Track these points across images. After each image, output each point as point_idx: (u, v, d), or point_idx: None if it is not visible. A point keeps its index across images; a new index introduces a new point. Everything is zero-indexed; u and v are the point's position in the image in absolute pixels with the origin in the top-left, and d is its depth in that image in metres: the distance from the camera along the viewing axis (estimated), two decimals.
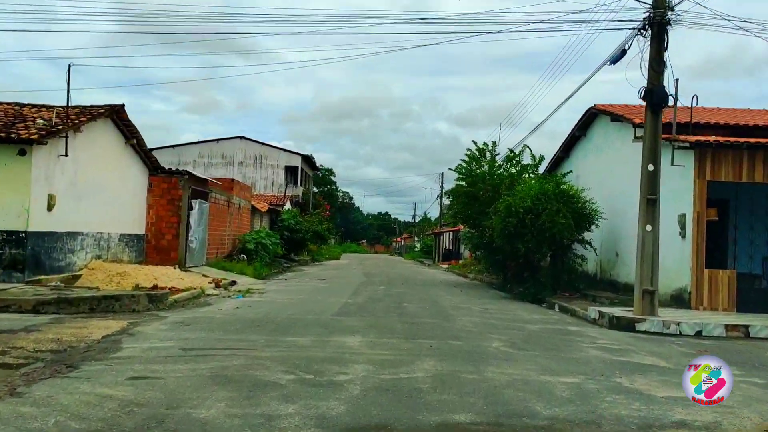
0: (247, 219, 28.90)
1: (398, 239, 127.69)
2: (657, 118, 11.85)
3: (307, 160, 52.39)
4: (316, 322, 10.40)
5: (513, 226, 16.38)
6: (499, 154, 21.98)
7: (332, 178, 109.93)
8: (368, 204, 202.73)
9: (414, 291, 18.09)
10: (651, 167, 11.86)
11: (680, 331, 11.06)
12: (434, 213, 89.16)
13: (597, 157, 18.82)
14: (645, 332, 11.06)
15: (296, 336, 8.74)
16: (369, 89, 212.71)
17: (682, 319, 11.51)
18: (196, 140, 50.48)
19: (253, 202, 31.99)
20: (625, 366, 7.47)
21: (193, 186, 19.78)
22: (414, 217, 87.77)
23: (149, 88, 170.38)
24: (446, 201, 65.82)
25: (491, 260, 21.33)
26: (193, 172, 19.58)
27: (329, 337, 8.69)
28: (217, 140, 50.55)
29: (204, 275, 18.46)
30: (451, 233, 49.85)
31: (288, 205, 42.04)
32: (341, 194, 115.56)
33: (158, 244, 18.85)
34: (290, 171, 52.33)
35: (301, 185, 52.62)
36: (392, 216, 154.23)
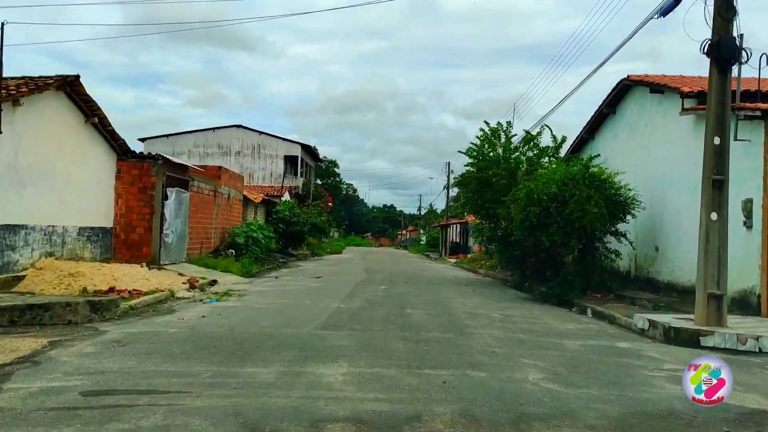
0: (238, 211, 26.60)
1: (403, 232, 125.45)
2: (725, 78, 9.41)
3: (308, 149, 50.06)
4: (292, 339, 8.06)
5: (535, 216, 13.98)
6: (515, 135, 19.53)
7: (336, 170, 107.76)
8: (373, 197, 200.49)
9: (420, 291, 15.75)
10: (717, 140, 9.42)
11: (760, 348, 8.68)
12: (440, 205, 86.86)
13: (630, 136, 16.36)
14: (713, 348, 8.68)
15: (258, 365, 6.40)
16: (374, 82, 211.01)
17: (759, 331, 9.12)
18: (191, 129, 48.18)
19: (246, 193, 29.68)
20: (727, 414, 5.09)
21: (168, 172, 17.46)
22: (419, 209, 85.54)
23: (155, 82, 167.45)
24: (454, 191, 63.36)
25: (507, 255, 18.94)
26: (168, 157, 17.24)
27: (303, 366, 6.35)
28: (213, 129, 48.25)
29: (180, 274, 16.17)
30: (459, 225, 47.47)
31: (287, 197, 39.74)
32: (345, 186, 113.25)
33: (128, 238, 16.55)
34: (290, 161, 50.01)
35: (301, 176, 50.28)
36: (397, 209, 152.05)
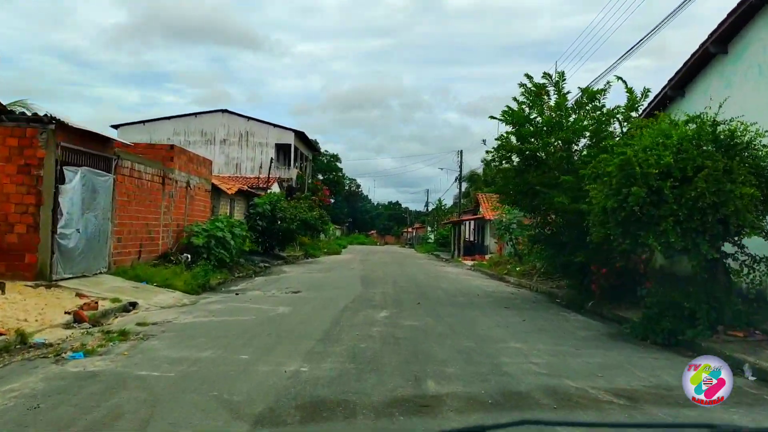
0: (203, 204, 21.12)
1: (409, 229, 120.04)
2: None
3: (303, 138, 44.52)
4: None
5: (638, 203, 8.37)
6: (569, 92, 13.82)
7: (338, 164, 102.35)
8: (378, 195, 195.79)
9: (442, 325, 10.12)
10: None
11: None
12: (449, 200, 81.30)
13: (762, 81, 10.71)
14: None
15: None
16: (379, 80, 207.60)
17: None
18: (171, 115, 42.70)
19: (217, 182, 24.19)
20: None
21: (69, 144, 11.91)
22: (426, 205, 79.98)
23: (161, 81, 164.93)
24: (466, 185, 57.77)
25: (559, 261, 13.40)
26: (67, 122, 11.65)
27: None
28: (195, 114, 42.78)
29: (80, 294, 10.66)
30: (473, 222, 41.85)
31: (276, 189, 34.25)
32: (348, 182, 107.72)
33: (1, 241, 11.05)
34: (282, 150, 44.49)
35: (295, 167, 44.78)
36: (403, 205, 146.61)
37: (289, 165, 43.64)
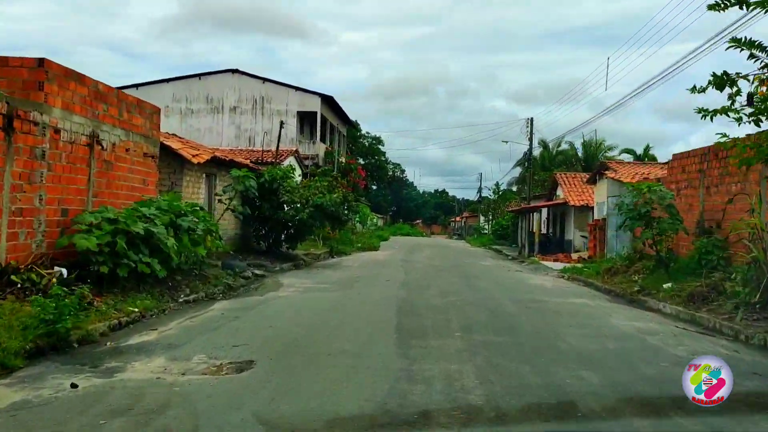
0: (143, 177, 12.77)
1: (457, 219, 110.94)
2: None
3: (331, 103, 35.93)
4: None
5: None
6: None
7: (380, 147, 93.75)
8: (424, 184, 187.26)
9: None
10: None
11: None
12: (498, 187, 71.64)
13: None
14: None
15: None
16: (424, 68, 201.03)
17: None
18: (169, 77, 34.81)
19: (177, 145, 15.87)
20: None
21: None
22: (480, 191, 70.40)
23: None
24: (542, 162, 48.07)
25: None
26: None
27: None
28: (199, 76, 34.77)
29: None
30: (548, 210, 32.51)
31: (292, 164, 25.77)
32: (392, 167, 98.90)
33: None
34: (306, 120, 36.10)
35: (322, 140, 36.35)
36: (450, 194, 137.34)
37: (313, 138, 35.21)
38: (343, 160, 36.25)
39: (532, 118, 34.38)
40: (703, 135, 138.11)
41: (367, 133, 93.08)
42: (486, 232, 61.07)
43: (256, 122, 33.86)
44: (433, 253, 31.62)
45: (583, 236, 27.65)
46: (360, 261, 23.39)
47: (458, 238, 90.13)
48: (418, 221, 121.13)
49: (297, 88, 34.33)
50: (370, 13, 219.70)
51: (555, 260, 24.84)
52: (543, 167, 63.75)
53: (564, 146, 59.69)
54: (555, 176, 30.74)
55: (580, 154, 58.74)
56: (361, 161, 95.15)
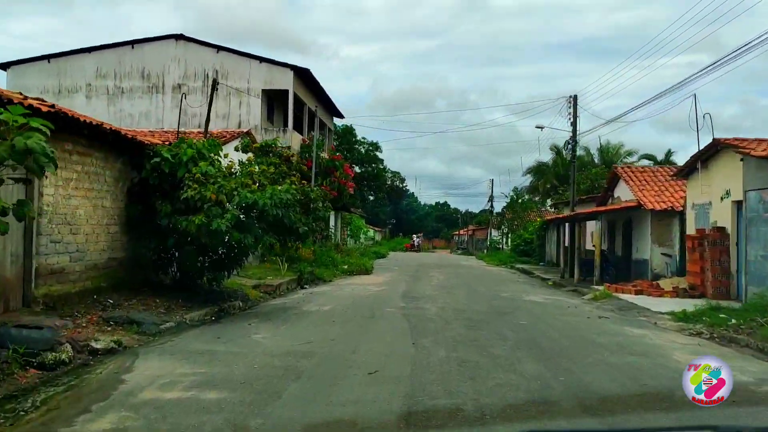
0: None
1: (461, 232, 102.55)
2: None
3: (307, 79, 27.31)
4: None
5: None
6: None
7: (378, 154, 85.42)
8: (425, 197, 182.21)
9: None
10: None
11: None
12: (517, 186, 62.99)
13: None
14: None
15: None
16: (425, 81, 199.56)
17: None
18: (93, 45, 26.31)
19: None
20: None
21: None
22: (491, 200, 61.73)
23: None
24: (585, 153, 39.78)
25: None
26: None
27: None
28: (132, 44, 26.26)
29: None
30: (606, 222, 23.81)
31: (235, 149, 17.11)
32: (390, 175, 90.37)
33: None
34: (276, 101, 27.66)
35: (298, 129, 27.88)
36: (452, 206, 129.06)
37: (285, 123, 26.72)
38: (326, 156, 27.74)
39: (575, 96, 25.76)
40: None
41: (363, 138, 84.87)
42: (500, 247, 52.47)
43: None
44: (446, 278, 22.99)
45: (666, 254, 19.06)
46: (338, 299, 14.73)
47: (463, 252, 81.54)
48: (419, 234, 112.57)
49: (262, 59, 25.84)
50: (371, 28, 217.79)
51: (636, 291, 16.20)
52: (557, 175, 55.89)
53: (579, 152, 53.83)
54: (615, 171, 22.12)
55: (596, 160, 53.08)
56: (357, 169, 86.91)
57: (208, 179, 10.63)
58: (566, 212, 29.72)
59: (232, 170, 11.12)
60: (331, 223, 33.83)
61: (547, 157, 54.26)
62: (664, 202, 19.20)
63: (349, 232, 39.23)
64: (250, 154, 12.03)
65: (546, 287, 21.11)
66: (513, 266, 34.15)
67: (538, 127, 25.54)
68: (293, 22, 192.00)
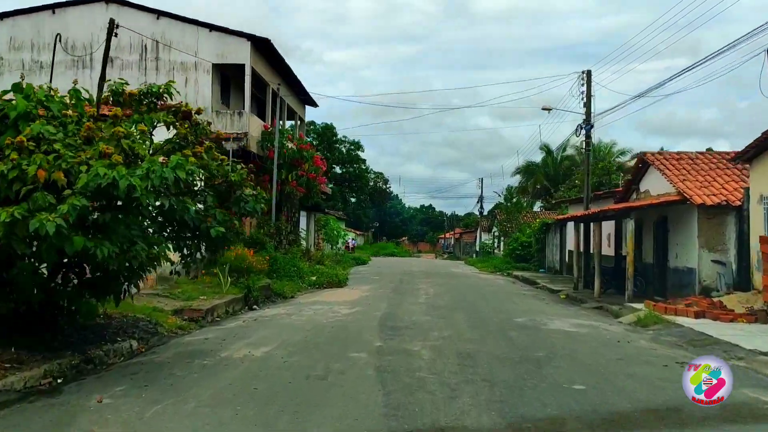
0: None
1: (447, 235, 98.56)
2: None
3: (268, 52, 22.76)
4: None
5: None
6: None
7: (360, 154, 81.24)
8: (411, 201, 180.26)
9: None
10: None
11: None
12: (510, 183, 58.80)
13: None
14: None
15: None
16: (409, 86, 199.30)
17: None
18: (4, 11, 21.66)
19: None
20: None
21: None
22: (480, 201, 57.49)
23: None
24: (599, 139, 35.83)
25: None
26: None
27: None
28: (53, 9, 21.62)
29: None
30: (617, 217, 19.64)
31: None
32: (373, 176, 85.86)
33: None
34: (233, 80, 23.22)
35: (259, 114, 23.49)
36: (437, 209, 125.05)
37: (242, 108, 22.27)
38: (293, 146, 23.29)
39: (589, 71, 21.50)
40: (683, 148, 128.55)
41: (344, 137, 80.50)
42: (492, 251, 48.34)
43: (146, 81, 20.83)
44: (437, 291, 18.64)
45: (717, 262, 14.89)
46: (286, 333, 10.27)
47: (449, 256, 77.43)
48: (404, 238, 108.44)
49: (212, 27, 21.34)
50: (355, 33, 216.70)
51: (696, 313, 11.98)
52: (547, 176, 52.67)
53: (570, 151, 48.38)
54: (644, 158, 17.82)
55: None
56: (338, 170, 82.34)
57: (41, 146, 6.21)
58: (571, 212, 25.55)
59: (96, 134, 6.68)
60: (303, 225, 29.37)
61: (537, 157, 50.71)
62: (715, 195, 15.02)
63: (324, 236, 34.80)
64: (117, 109, 7.55)
65: (561, 303, 16.85)
66: (510, 273, 29.96)
67: (544, 108, 21.19)
68: (277, 28, 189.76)
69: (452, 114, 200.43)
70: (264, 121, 23.66)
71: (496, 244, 48.38)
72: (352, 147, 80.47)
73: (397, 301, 15.40)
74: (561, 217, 21.66)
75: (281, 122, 24.27)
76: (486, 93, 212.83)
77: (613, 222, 20.04)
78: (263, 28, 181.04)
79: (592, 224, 20.51)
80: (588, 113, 20.28)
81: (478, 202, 55.91)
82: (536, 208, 48.03)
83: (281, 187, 22.44)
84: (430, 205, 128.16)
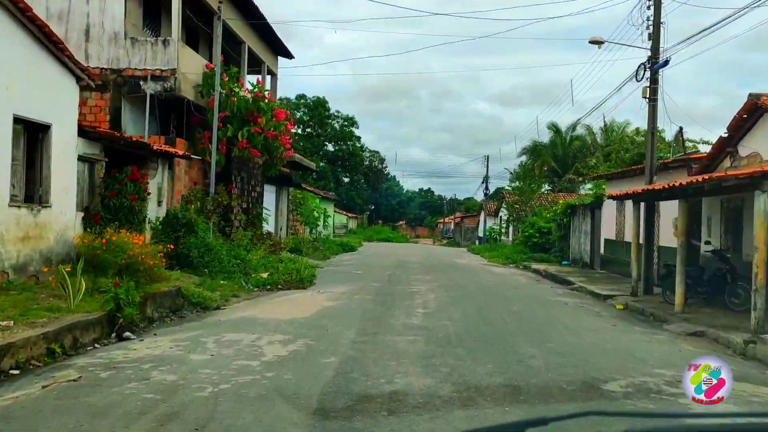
0: None
1: (446, 220, 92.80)
2: None
3: None
4: None
5: None
6: None
7: (354, 130, 75.17)
8: (409, 186, 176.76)
9: None
10: None
11: None
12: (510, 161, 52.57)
13: None
14: None
15: None
16: (407, 69, 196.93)
17: None
18: None
19: None
20: None
21: None
22: (485, 180, 51.24)
23: None
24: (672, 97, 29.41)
25: None
26: None
27: None
28: None
29: None
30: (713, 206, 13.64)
31: None
32: (368, 155, 79.50)
33: None
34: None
35: (195, 47, 17.37)
36: (435, 193, 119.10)
37: (168, 37, 16.16)
38: (246, 94, 17.14)
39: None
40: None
41: (338, 112, 74.25)
42: (498, 237, 42.45)
43: None
44: (443, 297, 12.72)
45: None
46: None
47: (449, 242, 71.68)
48: (401, 222, 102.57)
49: None
50: (354, 16, 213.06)
51: None
52: (555, 157, 47.77)
53: (579, 131, 44.60)
54: (756, 103, 11.73)
55: (599, 140, 43.79)
56: (330, 147, 75.95)
57: None
58: (612, 190, 19.51)
59: None
60: (272, 204, 23.40)
61: (546, 136, 45.58)
62: None
63: (302, 218, 28.73)
64: None
65: (626, 320, 10.95)
66: (527, 267, 24.12)
67: (593, 42, 15.01)
68: (273, 10, 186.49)
69: (450, 99, 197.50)
70: (206, 59, 17.52)
71: (504, 230, 42.45)
72: (346, 123, 74.31)
73: (376, 324, 9.42)
74: (619, 193, 15.55)
75: (241, 70, 18.05)
76: (485, 78, 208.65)
77: (676, 202, 13.95)
78: (262, 11, 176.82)
79: (660, 205, 14.50)
80: (656, 45, 14.17)
81: (482, 182, 49.76)
82: (544, 190, 42.51)
83: (228, 148, 16.37)
84: (429, 188, 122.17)
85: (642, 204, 14.75)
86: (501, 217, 45.52)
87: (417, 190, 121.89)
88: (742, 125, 12.38)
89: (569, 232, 26.31)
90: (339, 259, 25.76)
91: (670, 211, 14.53)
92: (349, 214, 70.24)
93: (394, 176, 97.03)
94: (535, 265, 23.90)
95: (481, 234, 51.14)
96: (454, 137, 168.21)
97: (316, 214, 30.25)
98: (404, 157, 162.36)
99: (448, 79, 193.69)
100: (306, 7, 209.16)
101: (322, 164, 70.20)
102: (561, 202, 26.30)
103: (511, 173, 43.85)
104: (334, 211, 63.42)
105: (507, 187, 48.31)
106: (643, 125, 17.61)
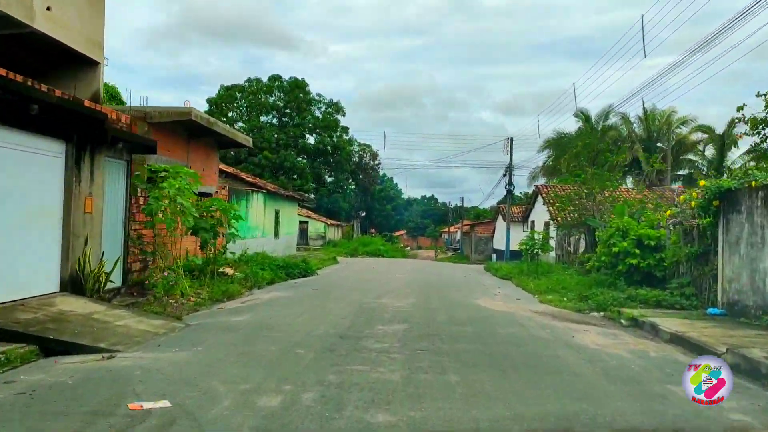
0: None
1: (451, 228, 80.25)
2: None
3: None
4: None
5: None
6: None
7: (339, 118, 61.92)
8: (411, 193, 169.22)
9: None
10: None
11: None
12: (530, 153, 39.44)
13: None
14: None
15: None
16: (412, 78, 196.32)
17: None
18: None
19: None
20: None
21: None
22: (508, 171, 37.59)
23: (196, 84, 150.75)
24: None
25: None
26: None
27: None
28: None
29: None
30: None
31: None
32: (357, 149, 65.87)
33: None
34: None
35: None
36: (439, 200, 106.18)
37: None
38: None
39: None
40: None
41: (319, 95, 60.98)
42: (535, 253, 28.73)
43: None
44: None
45: None
46: None
47: (455, 255, 58.72)
48: (400, 232, 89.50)
49: None
50: (359, 26, 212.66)
51: None
52: (583, 148, 36.28)
53: (613, 120, 38.41)
54: None
55: (637, 130, 38.56)
56: (311, 140, 62.49)
57: None
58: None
59: None
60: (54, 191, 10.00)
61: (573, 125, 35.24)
62: None
63: (165, 216, 14.97)
64: None
65: None
66: (634, 318, 10.79)
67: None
68: (280, 19, 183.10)
69: (455, 108, 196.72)
70: None
71: (540, 243, 28.81)
72: (330, 110, 60.99)
73: None
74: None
75: None
76: (489, 87, 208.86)
77: None
78: (266, 21, 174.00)
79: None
80: None
81: (504, 173, 36.23)
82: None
83: None
84: (432, 195, 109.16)
85: None
86: (533, 221, 32.09)
87: (419, 197, 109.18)
88: None
89: (712, 248, 12.80)
90: (264, 297, 12.52)
91: None
92: (331, 222, 56.70)
93: (391, 177, 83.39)
94: (655, 319, 10.60)
95: (501, 246, 37.79)
96: (459, 145, 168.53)
97: (187, 209, 15.87)
98: (408, 165, 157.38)
99: (452, 88, 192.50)
100: (310, 16, 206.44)
101: (299, 159, 56.88)
102: (704, 182, 12.80)
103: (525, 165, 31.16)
104: (307, 216, 49.77)
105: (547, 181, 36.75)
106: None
